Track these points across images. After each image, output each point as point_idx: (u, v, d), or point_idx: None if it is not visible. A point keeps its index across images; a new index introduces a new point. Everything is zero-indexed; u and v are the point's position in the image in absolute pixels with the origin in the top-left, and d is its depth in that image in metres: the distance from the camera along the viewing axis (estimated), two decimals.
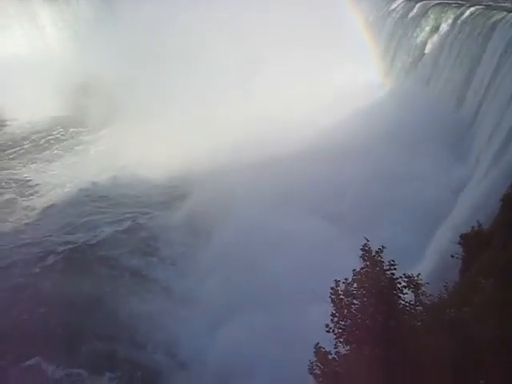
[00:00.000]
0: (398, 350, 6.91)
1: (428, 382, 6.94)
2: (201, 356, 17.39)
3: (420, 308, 7.35)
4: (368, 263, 6.91)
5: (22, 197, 29.00)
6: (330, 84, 31.27)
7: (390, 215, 20.72)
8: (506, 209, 10.22)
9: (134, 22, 39.43)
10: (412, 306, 7.25)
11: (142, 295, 20.46)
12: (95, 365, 17.70)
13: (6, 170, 32.59)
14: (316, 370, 7.38)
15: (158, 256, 23.06)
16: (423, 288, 7.33)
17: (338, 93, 30.45)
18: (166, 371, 17.58)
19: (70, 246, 23.48)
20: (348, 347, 7.07)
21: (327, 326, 6.91)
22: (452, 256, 10.48)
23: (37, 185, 30.35)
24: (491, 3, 27.43)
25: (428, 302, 7.56)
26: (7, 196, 29.09)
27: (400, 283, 6.95)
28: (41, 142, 36.51)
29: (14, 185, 30.47)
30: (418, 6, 32.56)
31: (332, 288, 6.93)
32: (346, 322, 6.85)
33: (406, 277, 7.04)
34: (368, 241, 6.99)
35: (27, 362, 17.44)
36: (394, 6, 35.56)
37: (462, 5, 28.42)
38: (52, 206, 27.76)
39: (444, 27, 28.35)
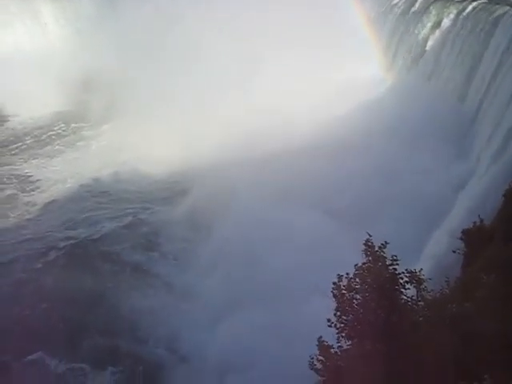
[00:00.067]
0: (400, 345, 6.92)
1: (429, 376, 6.95)
2: (201, 350, 17.49)
3: (422, 303, 7.37)
4: (370, 258, 6.91)
5: (23, 192, 29.05)
6: (331, 80, 31.21)
7: (391, 211, 20.72)
8: (509, 204, 10.22)
9: (135, 20, 39.44)
10: (414, 302, 7.26)
11: (144, 290, 20.54)
12: (97, 359, 17.81)
13: (8, 165, 32.62)
14: (318, 365, 7.39)
15: (160, 251, 23.13)
16: (425, 283, 7.33)
17: (338, 88, 30.39)
18: (167, 365, 17.68)
19: (72, 242, 23.54)
20: (350, 342, 7.09)
21: (329, 320, 6.93)
22: (454, 251, 10.49)
23: (38, 180, 30.39)
24: None
25: (430, 298, 7.57)
26: (9, 191, 29.14)
27: (402, 278, 6.95)
28: (42, 138, 36.52)
29: (15, 180, 30.50)
30: (419, 0, 32.38)
31: (334, 283, 6.94)
32: (347, 316, 6.87)
33: (408, 272, 7.05)
34: (370, 236, 6.99)
35: (30, 357, 17.58)
36: (395, 1, 35.39)
37: None
38: (53, 201, 27.81)
39: (446, 22, 28.18)
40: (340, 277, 6.93)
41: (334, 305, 7.05)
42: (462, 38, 26.11)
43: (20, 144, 35.61)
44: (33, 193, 28.99)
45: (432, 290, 7.57)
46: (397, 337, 6.91)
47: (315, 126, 26.70)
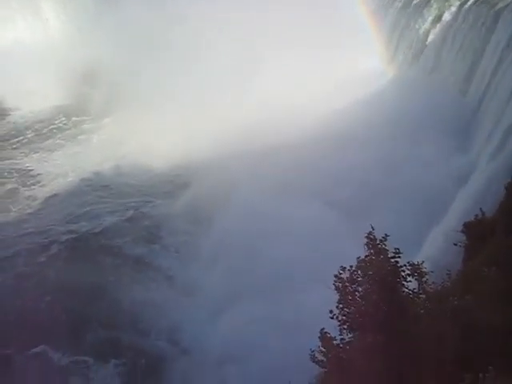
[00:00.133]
0: (401, 338, 6.96)
1: (430, 369, 6.99)
2: (203, 343, 17.62)
3: (423, 296, 7.40)
4: (372, 251, 6.93)
5: (24, 186, 29.03)
6: (332, 73, 31.14)
7: (391, 203, 20.75)
8: (510, 197, 10.22)
9: (136, 15, 39.36)
10: (415, 294, 7.29)
11: (145, 283, 20.67)
12: (100, 352, 17.95)
13: (8, 159, 32.58)
14: (319, 357, 7.44)
15: (161, 244, 23.23)
16: (427, 276, 7.36)
17: (339, 81, 30.33)
18: (169, 358, 17.82)
19: (73, 236, 23.59)
20: (351, 334, 7.13)
21: (331, 312, 6.96)
22: (455, 244, 10.51)
23: (39, 174, 30.37)
24: None
25: (431, 290, 7.60)
26: (9, 186, 29.12)
27: (404, 271, 6.97)
28: (43, 132, 36.44)
29: (16, 174, 30.47)
30: None
31: (336, 275, 6.97)
32: (349, 308, 6.90)
33: (410, 265, 7.07)
34: (373, 229, 7.01)
35: (33, 350, 17.70)
36: None
37: None
38: (54, 195, 27.81)
39: (447, 16, 27.96)
40: (343, 269, 6.95)
41: (335, 297, 7.09)
42: (463, 33, 25.93)
43: (21, 138, 35.54)
44: (33, 187, 28.98)
45: (433, 283, 7.59)
46: (398, 329, 6.94)
47: (315, 119, 26.69)
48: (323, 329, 7.18)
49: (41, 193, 28.14)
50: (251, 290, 18.20)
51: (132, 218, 25.14)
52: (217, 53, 33.69)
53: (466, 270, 9.49)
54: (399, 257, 6.96)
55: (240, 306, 18.05)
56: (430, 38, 29.15)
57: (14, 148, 34.35)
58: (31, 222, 25.15)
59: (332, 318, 6.97)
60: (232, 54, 32.99)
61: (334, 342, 7.18)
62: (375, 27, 33.89)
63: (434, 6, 29.75)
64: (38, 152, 33.49)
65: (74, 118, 37.95)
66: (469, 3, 26.46)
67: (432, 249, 15.14)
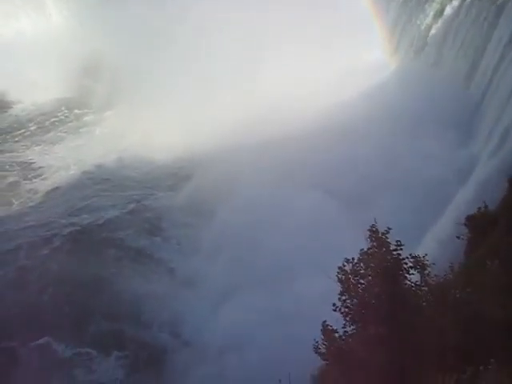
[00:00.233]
0: (403, 330, 6.97)
1: (431, 361, 7.01)
2: (204, 334, 17.73)
3: (425, 288, 7.39)
4: (375, 243, 6.92)
5: (25, 179, 29.03)
6: (334, 65, 31.03)
7: (392, 196, 20.73)
8: None
9: (140, 7, 39.22)
10: (417, 287, 7.28)
11: (147, 275, 20.77)
12: (103, 344, 18.08)
13: (10, 152, 32.59)
14: (322, 349, 7.45)
15: (163, 236, 23.30)
16: (429, 269, 7.35)
17: (341, 74, 30.25)
18: (170, 350, 17.94)
19: (76, 228, 23.63)
20: (354, 326, 7.13)
21: (334, 304, 6.97)
22: (458, 237, 10.50)
23: (40, 167, 30.38)
24: None
25: (433, 283, 7.60)
26: (11, 179, 29.12)
27: (406, 264, 6.96)
28: (45, 124, 36.41)
29: (17, 167, 30.46)
30: None
31: (339, 267, 6.97)
32: (352, 301, 6.91)
33: (412, 257, 7.06)
34: (376, 222, 6.99)
35: (37, 342, 17.81)
36: None
37: None
38: (56, 188, 27.81)
39: (448, 11, 27.68)
40: (346, 261, 6.95)
41: (335, 287, 7.09)
42: (465, 28, 25.67)
43: (23, 131, 35.53)
44: (35, 180, 28.99)
45: (436, 276, 7.59)
46: (400, 321, 6.94)
47: (317, 111, 26.64)
48: (325, 321, 7.19)
49: (43, 186, 28.16)
50: (252, 281, 18.32)
51: (134, 210, 25.18)
52: (219, 45, 33.59)
53: (468, 262, 9.48)
54: (401, 249, 6.95)
55: (241, 296, 18.18)
56: (431, 34, 28.93)
57: (16, 141, 34.34)
58: (33, 215, 25.19)
59: (335, 310, 6.98)
60: (234, 45, 32.89)
61: (336, 334, 7.19)
62: (378, 19, 33.68)
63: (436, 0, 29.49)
64: (39, 145, 33.49)
65: (76, 111, 37.92)
66: None
67: (434, 241, 15.14)
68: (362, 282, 6.91)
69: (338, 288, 6.97)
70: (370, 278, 6.90)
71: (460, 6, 26.62)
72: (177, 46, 35.08)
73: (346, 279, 6.90)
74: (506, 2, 22.67)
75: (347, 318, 7.00)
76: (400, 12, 32.98)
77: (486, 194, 12.79)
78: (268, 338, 16.10)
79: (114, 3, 41.42)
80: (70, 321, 18.51)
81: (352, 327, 7.15)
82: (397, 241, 6.90)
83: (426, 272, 7.25)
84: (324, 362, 7.86)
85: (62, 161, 30.95)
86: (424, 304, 7.38)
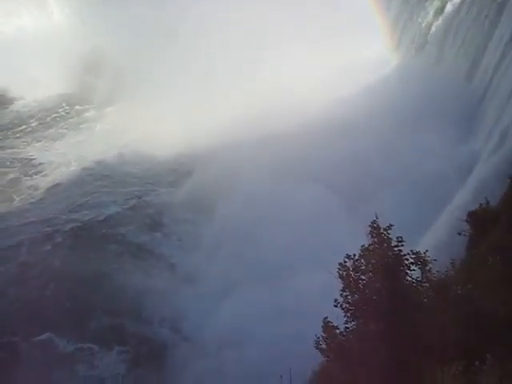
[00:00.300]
0: (404, 326, 6.97)
1: (432, 357, 7.01)
2: (204, 329, 17.80)
3: (426, 284, 7.39)
4: (376, 240, 6.92)
5: (26, 176, 29.05)
6: (335, 60, 30.99)
7: (392, 191, 20.72)
8: None
9: (141, 5, 39.27)
10: (419, 283, 7.28)
11: (148, 271, 20.86)
12: (104, 339, 18.17)
13: (11, 148, 32.59)
14: (322, 345, 7.46)
15: (164, 232, 23.38)
16: (430, 265, 7.34)
17: (342, 69, 30.21)
18: (171, 345, 18.04)
19: (77, 224, 23.67)
20: (355, 322, 7.14)
21: (335, 300, 6.98)
22: (459, 233, 10.49)
23: (41, 164, 30.37)
24: None
25: (434, 279, 7.59)
26: (12, 175, 29.14)
27: (407, 260, 6.96)
28: (46, 121, 36.42)
29: (18, 164, 30.48)
30: None
31: (340, 263, 6.97)
32: (353, 297, 6.91)
33: (413, 253, 7.06)
34: (377, 218, 6.99)
35: (39, 337, 17.89)
36: None
37: None
38: (57, 184, 27.82)
39: (449, 8, 27.52)
40: (348, 257, 6.95)
41: (335, 282, 7.09)
42: (466, 25, 25.53)
43: (24, 127, 35.54)
44: (36, 176, 28.99)
45: (437, 272, 7.58)
46: (401, 317, 6.95)
47: (317, 107, 26.64)
48: (326, 317, 7.20)
49: (43, 182, 28.18)
50: (252, 277, 18.40)
51: (135, 206, 25.22)
52: (219, 43, 33.56)
53: (469, 259, 9.47)
54: (402, 245, 6.95)
55: (241, 292, 18.26)
56: (432, 32, 28.78)
57: (17, 137, 34.35)
58: (34, 211, 25.22)
59: (336, 306, 6.99)
60: (235, 42, 32.87)
61: (337, 330, 7.19)
62: (379, 16, 33.59)
63: None
64: (40, 141, 33.50)
65: (77, 107, 37.93)
66: None
67: (435, 238, 15.13)
68: (363, 278, 6.91)
69: (340, 284, 6.97)
70: (370, 274, 6.90)
71: (461, 4, 26.49)
72: (178, 43, 35.17)
73: (347, 275, 6.90)
74: (507, 0, 22.54)
75: (348, 314, 7.01)
76: (401, 9, 32.87)
77: (487, 191, 12.77)
78: (268, 334, 16.17)
79: (116, 1, 41.40)
80: (71, 316, 18.59)
81: (353, 323, 7.16)
82: (398, 237, 6.90)
83: (427, 268, 7.25)
84: (325, 358, 7.87)
85: (62, 157, 30.96)
86: (425, 300, 7.38)
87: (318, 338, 7.33)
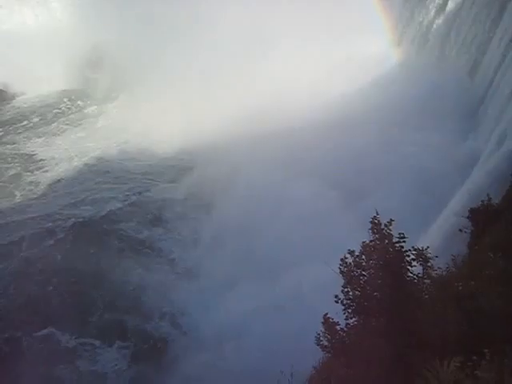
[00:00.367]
0: (405, 322, 6.97)
1: (432, 352, 7.01)
2: (204, 324, 17.88)
3: (428, 281, 7.38)
4: (377, 236, 6.90)
5: (27, 172, 29.09)
6: (335, 57, 30.95)
7: (392, 187, 20.72)
8: None
9: (143, 1, 39.17)
10: (420, 279, 7.27)
11: (149, 266, 20.98)
12: (105, 334, 18.25)
13: (12, 144, 32.61)
14: (323, 341, 7.46)
15: (165, 228, 23.45)
16: (432, 261, 7.33)
17: (342, 65, 30.18)
18: (171, 340, 18.14)
19: (78, 220, 23.71)
20: (356, 318, 7.14)
21: (336, 296, 6.97)
22: (460, 230, 10.48)
23: (43, 159, 30.38)
24: None
25: (436, 276, 7.59)
26: (13, 171, 29.17)
27: (409, 256, 6.94)
28: (48, 116, 36.43)
29: (20, 160, 30.51)
30: None
31: (342, 259, 6.96)
32: (354, 293, 6.90)
33: (414, 250, 7.03)
34: (377, 213, 6.96)
35: (41, 332, 17.96)
36: None
37: None
38: (58, 180, 27.88)
39: (451, 5, 27.37)
40: (350, 253, 6.93)
41: (334, 277, 7.08)
42: (468, 24, 25.41)
43: (25, 123, 35.54)
44: (37, 172, 29.01)
45: (439, 268, 7.57)
46: (402, 314, 6.94)
47: (317, 103, 26.64)
48: (326, 313, 7.19)
49: (45, 178, 28.22)
50: (252, 272, 18.48)
51: (136, 202, 25.28)
52: (220, 38, 33.52)
53: (471, 255, 9.47)
54: (404, 241, 6.92)
55: (241, 287, 18.34)
56: (433, 30, 28.66)
57: (19, 133, 34.36)
58: (35, 207, 25.28)
59: (337, 302, 6.98)
60: (237, 38, 32.83)
61: (338, 326, 7.19)
62: (382, 11, 33.49)
63: None
64: (42, 137, 33.51)
65: (78, 103, 37.94)
66: None
67: (436, 234, 15.13)
68: (365, 274, 6.90)
69: (339, 279, 6.97)
70: (372, 270, 6.89)
71: (463, 1, 26.38)
72: (179, 39, 35.18)
73: (349, 271, 6.89)
74: None
75: (349, 310, 7.00)
76: (404, 5, 32.76)
77: (489, 187, 12.77)
78: (268, 329, 16.21)
79: None
80: (73, 311, 18.67)
81: (354, 319, 7.16)
82: (400, 233, 6.88)
83: (429, 264, 7.23)
84: (326, 354, 7.88)
85: (64, 153, 31.00)
86: (426, 296, 7.37)
87: (319, 334, 7.32)
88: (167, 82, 32.13)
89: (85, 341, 18.01)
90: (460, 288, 7.28)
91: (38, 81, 37.90)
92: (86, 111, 36.88)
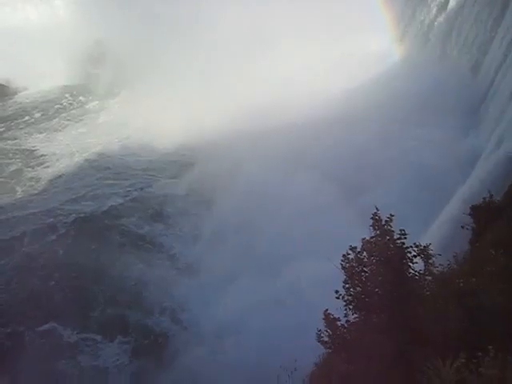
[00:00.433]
0: (406, 319, 6.97)
1: (434, 349, 7.01)
2: (205, 319, 17.93)
3: (429, 278, 7.37)
4: (378, 232, 6.89)
5: (29, 167, 29.09)
6: (337, 53, 30.88)
7: (392, 184, 20.71)
8: None
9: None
10: (421, 276, 7.26)
11: (150, 262, 21.01)
12: (107, 329, 18.31)
13: (14, 139, 32.61)
14: (324, 337, 7.47)
15: (166, 223, 23.49)
16: (433, 258, 7.32)
17: (343, 62, 30.12)
18: (172, 335, 18.19)
19: (79, 215, 23.75)
20: (357, 314, 7.14)
21: (337, 292, 6.97)
22: (462, 227, 10.47)
23: (44, 155, 30.39)
24: None
25: (437, 272, 7.58)
26: (14, 166, 29.17)
27: (410, 252, 6.93)
28: (49, 112, 36.43)
29: (21, 155, 30.50)
30: None
31: (343, 255, 6.95)
32: (355, 289, 6.90)
33: (416, 246, 7.03)
34: (378, 210, 6.95)
35: (43, 327, 18.03)
36: None
37: None
38: (60, 176, 27.90)
39: (452, 4, 27.22)
40: (351, 249, 6.93)
41: (338, 275, 7.07)
42: (469, 23, 25.28)
43: (27, 118, 35.54)
44: (38, 167, 29.02)
45: (440, 265, 7.56)
46: (403, 310, 6.94)
47: (318, 99, 26.60)
48: (327, 310, 7.19)
49: (46, 173, 28.22)
50: (252, 268, 18.54)
51: (137, 197, 25.31)
52: (221, 34, 33.47)
53: (472, 252, 9.46)
54: (405, 238, 6.92)
55: (241, 283, 18.39)
56: (434, 29, 28.55)
57: (20, 128, 34.36)
58: (37, 203, 25.29)
59: (338, 298, 6.98)
60: (238, 34, 32.79)
61: (338, 322, 7.19)
62: (385, 9, 33.38)
63: None
64: (43, 132, 33.51)
65: (80, 99, 37.93)
66: None
67: (438, 231, 15.12)
68: (366, 270, 6.89)
69: (339, 275, 6.97)
70: (373, 266, 6.88)
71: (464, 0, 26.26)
72: (180, 34, 35.19)
73: (350, 267, 6.88)
74: None
75: (350, 307, 7.01)
76: (406, 3, 32.63)
77: (490, 184, 12.74)
78: (268, 324, 16.25)
79: None
80: (74, 306, 18.75)
81: (355, 315, 7.16)
82: (401, 229, 6.87)
83: (431, 261, 7.22)
84: (326, 350, 7.89)
85: (65, 148, 31.01)
86: (427, 293, 7.37)
87: (320, 330, 7.32)
88: (168, 77, 32.12)
89: (86, 336, 18.08)
90: (461, 285, 7.27)
91: (40, 76, 37.95)
92: (87, 107, 36.88)
